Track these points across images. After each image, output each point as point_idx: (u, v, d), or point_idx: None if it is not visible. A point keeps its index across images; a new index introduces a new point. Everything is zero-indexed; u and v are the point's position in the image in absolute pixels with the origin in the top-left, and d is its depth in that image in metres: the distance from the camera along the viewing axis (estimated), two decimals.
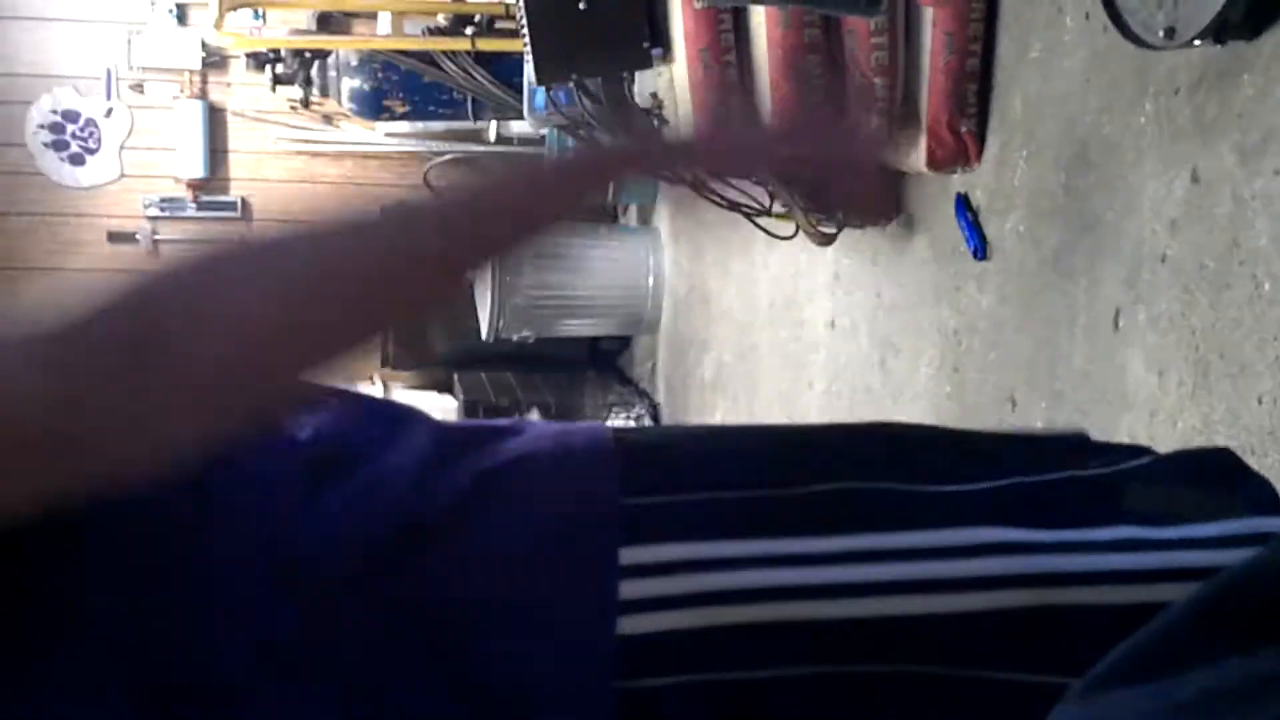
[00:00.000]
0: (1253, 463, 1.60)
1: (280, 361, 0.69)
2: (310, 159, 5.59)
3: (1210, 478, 0.98)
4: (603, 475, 0.89)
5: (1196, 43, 1.63)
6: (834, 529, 0.87)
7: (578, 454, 0.90)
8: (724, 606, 0.85)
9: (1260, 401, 1.60)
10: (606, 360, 5.28)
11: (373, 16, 5.13)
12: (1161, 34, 1.67)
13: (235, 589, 0.80)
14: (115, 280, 0.66)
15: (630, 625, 0.84)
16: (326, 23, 5.31)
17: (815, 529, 0.87)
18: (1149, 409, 1.84)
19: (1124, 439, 1.90)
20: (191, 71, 5.45)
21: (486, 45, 4.41)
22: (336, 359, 0.71)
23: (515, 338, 4.75)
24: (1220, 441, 1.67)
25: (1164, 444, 1.79)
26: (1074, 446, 1.01)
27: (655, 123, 2.68)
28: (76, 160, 5.45)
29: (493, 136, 5.33)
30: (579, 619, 0.85)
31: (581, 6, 2.54)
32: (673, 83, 2.56)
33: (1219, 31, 1.60)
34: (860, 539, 0.87)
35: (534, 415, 4.75)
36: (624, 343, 5.29)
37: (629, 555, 0.85)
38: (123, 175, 5.49)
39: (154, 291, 0.67)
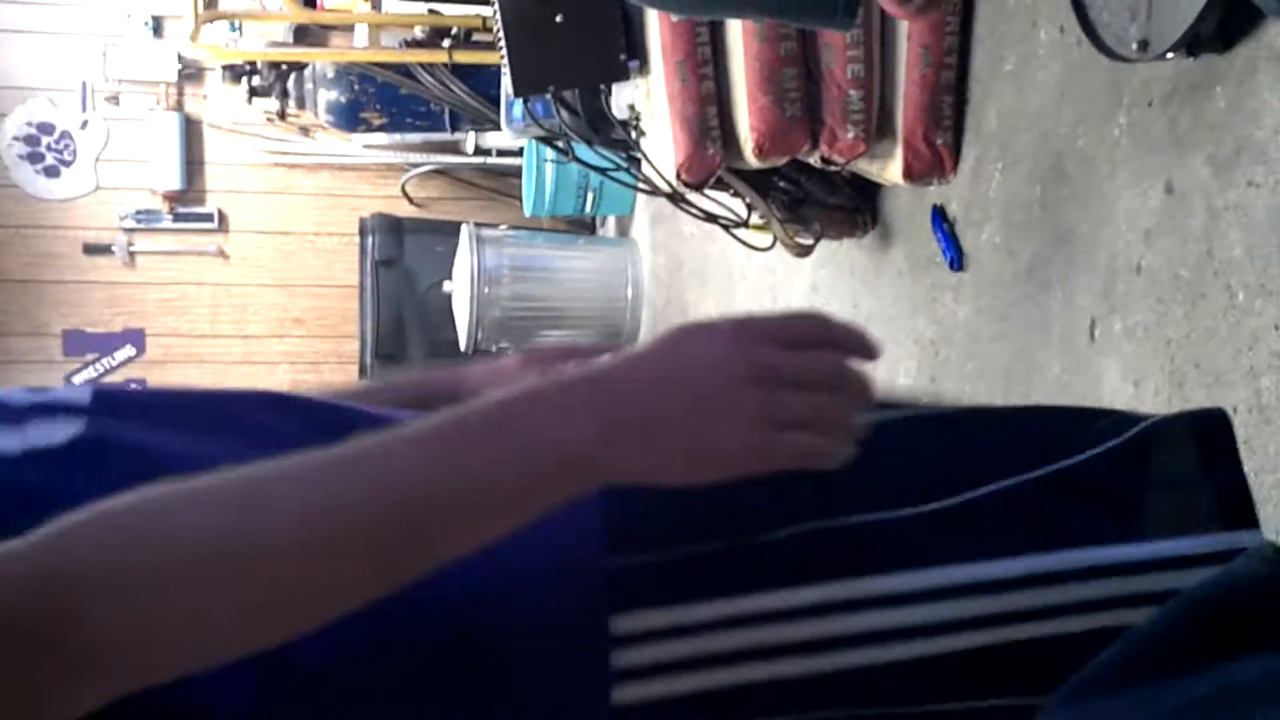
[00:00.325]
0: None
1: (204, 647, 0.65)
2: (287, 171, 5.58)
3: (1184, 462, 0.99)
4: (589, 535, 0.86)
5: (1169, 56, 1.65)
6: (807, 578, 0.87)
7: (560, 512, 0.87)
8: (712, 670, 0.85)
9: (1235, 410, 1.61)
10: None
11: (350, 29, 5.13)
12: (1135, 47, 1.68)
13: None
14: (15, 548, 0.60)
15: (623, 695, 0.85)
16: (303, 35, 5.31)
17: (790, 580, 0.87)
18: None
19: None
20: (167, 83, 5.44)
21: (463, 57, 4.42)
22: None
23: (494, 349, 4.74)
24: None
25: None
26: (1059, 427, 1.01)
27: (633, 136, 2.68)
28: (52, 173, 5.43)
29: (470, 148, 5.33)
30: (574, 691, 0.85)
31: (558, 19, 2.55)
32: (650, 95, 2.56)
33: (1191, 44, 1.61)
34: (833, 588, 0.87)
35: None
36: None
37: (619, 624, 0.85)
38: (98, 187, 5.47)
39: (62, 563, 0.61)
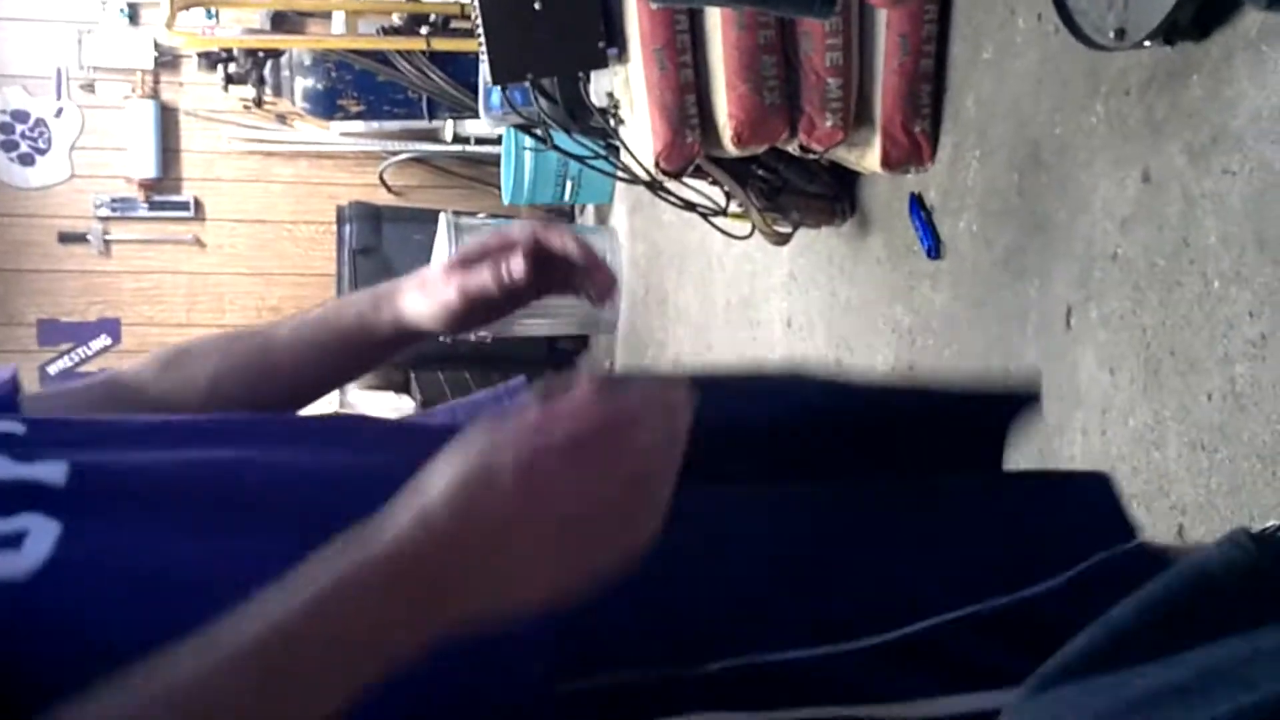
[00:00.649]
0: (1203, 459, 1.62)
1: None
2: (264, 159, 5.56)
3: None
4: (542, 654, 0.87)
5: (1146, 44, 1.66)
6: (738, 707, 0.89)
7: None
8: None
9: (1210, 398, 1.62)
10: (564, 360, 5.29)
11: (327, 16, 5.11)
12: (1112, 35, 1.69)
13: None
14: None
15: None
16: (280, 22, 5.29)
17: (721, 706, 0.89)
18: (1101, 406, 1.87)
19: (1076, 436, 1.92)
20: (143, 71, 5.41)
21: (441, 45, 4.41)
22: None
23: (472, 337, 4.74)
24: (1171, 438, 1.69)
25: (1116, 440, 1.82)
26: (1012, 542, 1.01)
27: (611, 123, 2.68)
28: (26, 160, 5.40)
29: (448, 136, 5.32)
30: None
31: (537, 7, 2.54)
32: (628, 82, 2.56)
33: (1168, 33, 1.62)
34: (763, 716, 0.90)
35: None
36: (582, 342, 5.29)
37: None
38: (73, 175, 5.44)
39: None
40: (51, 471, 0.89)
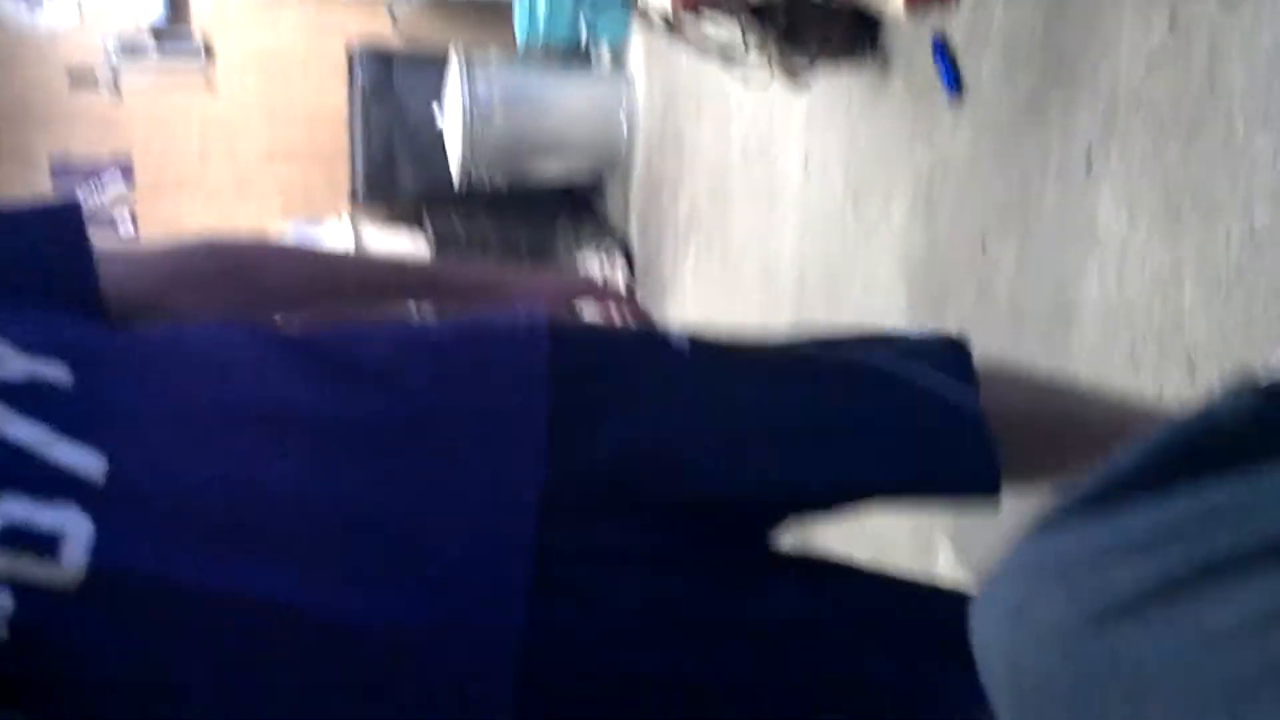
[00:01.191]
0: (1218, 301, 1.65)
1: None
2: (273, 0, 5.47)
3: None
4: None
5: None
6: None
7: None
8: None
9: (1229, 240, 1.64)
10: (580, 202, 5.27)
11: None
12: None
13: None
14: None
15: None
16: None
17: None
18: (1118, 250, 1.88)
19: (1093, 280, 1.94)
20: None
21: None
22: None
23: (487, 182, 4.72)
24: (1187, 280, 1.72)
25: (1132, 283, 1.84)
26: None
27: None
28: (34, 3, 5.31)
29: None
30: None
31: None
32: None
33: None
34: None
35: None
36: (597, 184, 5.27)
37: None
38: (82, 19, 5.36)
39: None
40: (91, 464, 0.93)
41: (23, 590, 0.88)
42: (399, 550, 0.97)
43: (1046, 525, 0.57)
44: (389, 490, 0.99)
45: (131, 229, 5.43)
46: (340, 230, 4.97)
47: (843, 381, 1.15)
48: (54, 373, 0.97)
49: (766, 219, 3.46)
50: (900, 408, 1.13)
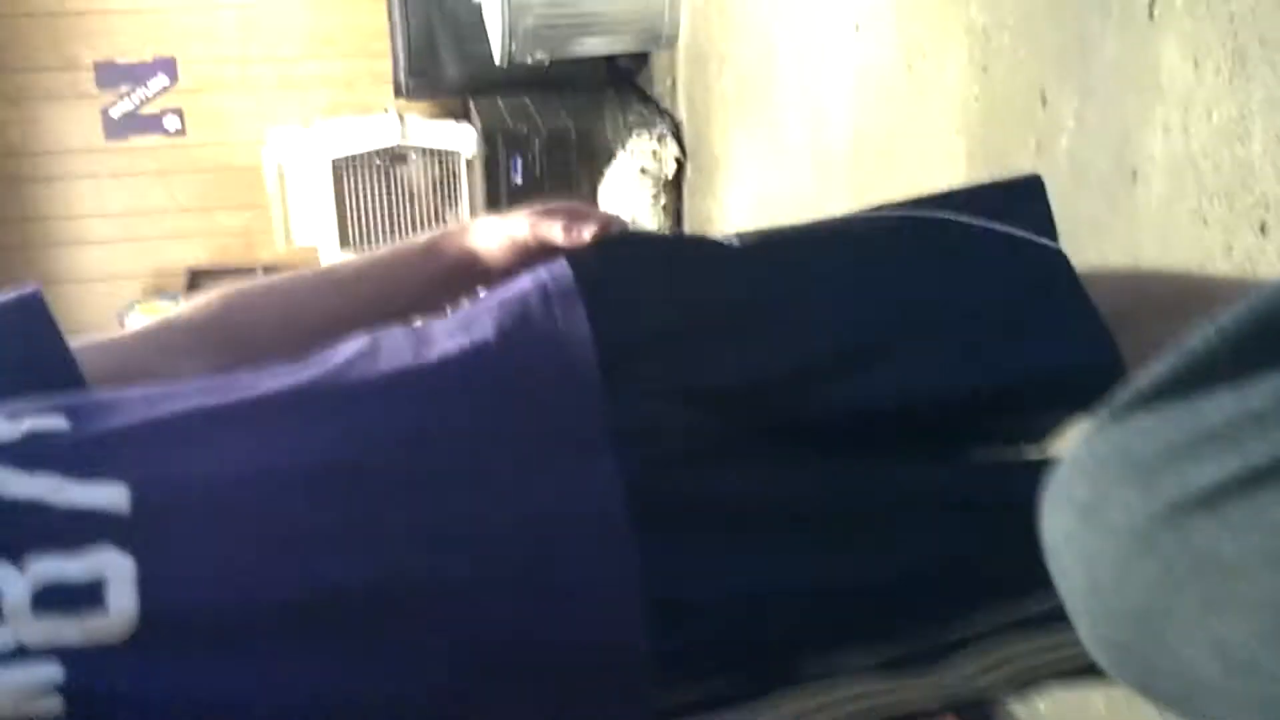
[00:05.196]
0: None
1: None
2: None
3: None
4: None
5: None
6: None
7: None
8: None
9: None
10: (625, 79, 5.18)
11: None
12: None
13: None
14: None
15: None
16: None
17: None
18: (1184, 100, 1.81)
19: (1157, 132, 1.87)
20: None
21: None
22: None
23: (529, 60, 4.65)
24: (1256, 132, 1.65)
25: (1198, 136, 1.77)
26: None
27: None
28: None
29: None
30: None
31: None
32: None
33: None
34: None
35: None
36: (642, 60, 5.17)
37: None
38: None
39: None
40: (113, 496, 0.87)
41: (71, 655, 0.83)
42: (470, 507, 0.94)
43: (1118, 416, 0.55)
44: (439, 450, 0.96)
45: (180, 126, 5.41)
46: (386, 125, 4.93)
47: (912, 240, 1.10)
48: (50, 424, 0.92)
49: (818, 86, 3.37)
50: (977, 261, 1.08)
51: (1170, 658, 0.50)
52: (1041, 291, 1.08)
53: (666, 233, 1.16)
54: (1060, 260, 1.09)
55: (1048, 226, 1.11)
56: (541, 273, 1.08)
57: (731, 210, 4.09)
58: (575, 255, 1.09)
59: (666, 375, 1.01)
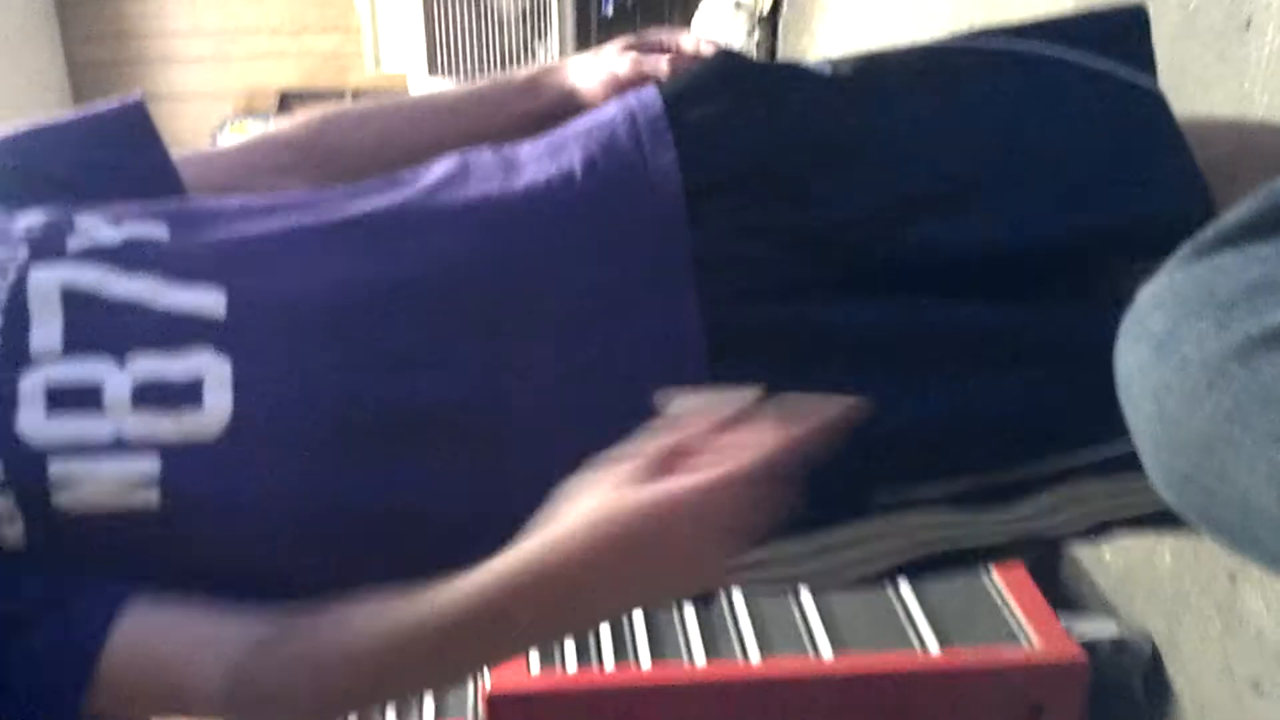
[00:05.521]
0: None
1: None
2: None
3: None
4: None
5: None
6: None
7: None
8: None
9: None
10: None
11: None
12: None
13: None
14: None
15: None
16: None
17: None
18: None
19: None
20: None
21: None
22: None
23: None
24: None
25: None
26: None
27: None
28: None
29: None
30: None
31: None
32: None
33: None
34: None
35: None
36: None
37: None
38: None
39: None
40: (210, 301, 0.90)
41: (168, 450, 0.86)
42: (551, 334, 0.95)
43: (1199, 253, 0.55)
44: (523, 277, 0.97)
45: None
46: None
47: (1007, 77, 1.07)
48: (150, 230, 0.95)
49: None
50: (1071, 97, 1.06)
51: (1231, 487, 0.51)
52: (1136, 135, 1.05)
53: (762, 61, 1.11)
54: (1158, 103, 1.07)
55: (1148, 63, 1.08)
56: (630, 99, 1.07)
57: (827, 49, 4.00)
58: (666, 83, 1.09)
59: (753, 209, 1.01)
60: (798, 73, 1.10)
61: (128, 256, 0.92)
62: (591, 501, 0.80)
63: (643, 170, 1.01)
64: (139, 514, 0.86)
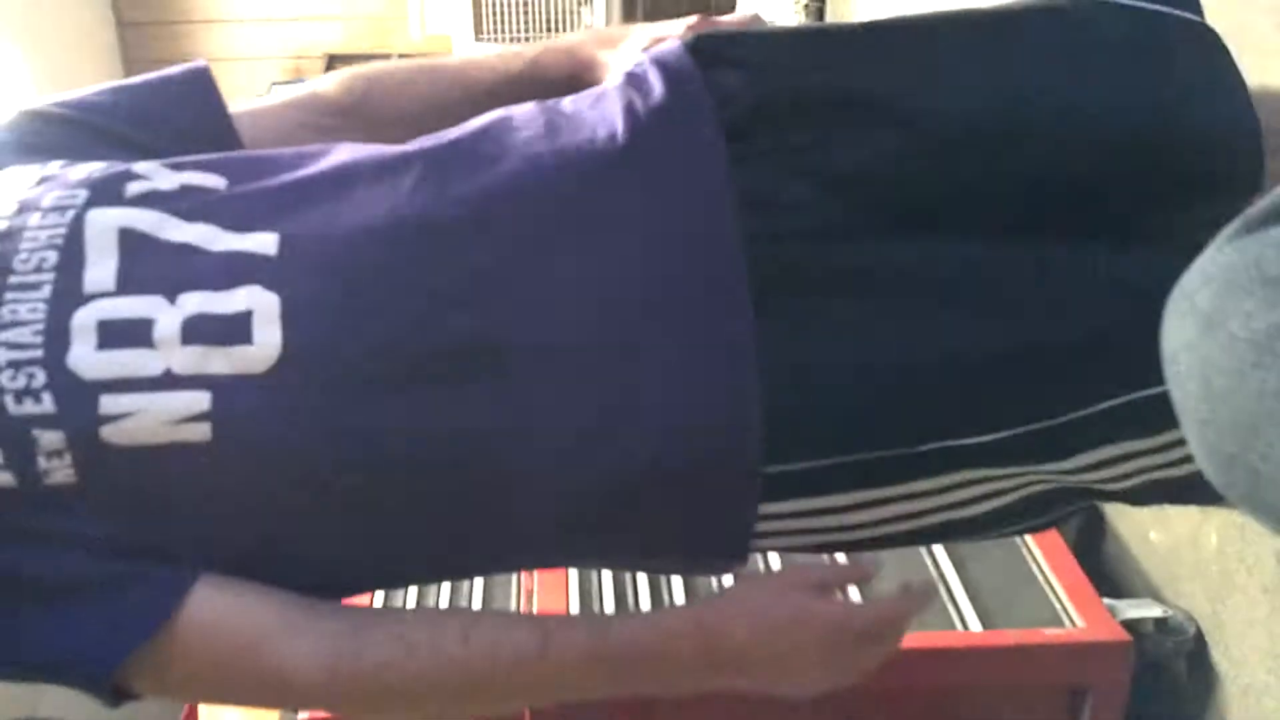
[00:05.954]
0: None
1: None
2: None
3: None
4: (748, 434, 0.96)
5: None
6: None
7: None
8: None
9: None
10: None
11: None
12: None
13: None
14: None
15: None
16: None
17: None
18: None
19: None
20: None
21: None
22: None
23: None
24: None
25: None
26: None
27: None
28: None
29: None
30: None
31: None
32: None
33: None
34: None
35: None
36: None
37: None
38: None
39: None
40: (263, 242, 0.92)
41: (218, 383, 0.87)
42: (594, 270, 0.96)
43: (1248, 228, 0.53)
44: (567, 217, 0.98)
45: None
46: None
47: (1047, 20, 1.07)
48: (208, 179, 0.97)
49: None
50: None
51: (1276, 468, 0.49)
52: (1185, 61, 1.05)
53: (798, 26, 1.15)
54: (1207, 31, 1.06)
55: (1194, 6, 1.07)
56: (660, 51, 1.08)
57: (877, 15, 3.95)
58: (696, 39, 1.09)
59: (794, 150, 1.00)
60: (836, 27, 1.11)
61: (185, 202, 0.94)
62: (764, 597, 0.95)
63: (681, 110, 1.01)
64: (188, 449, 0.87)
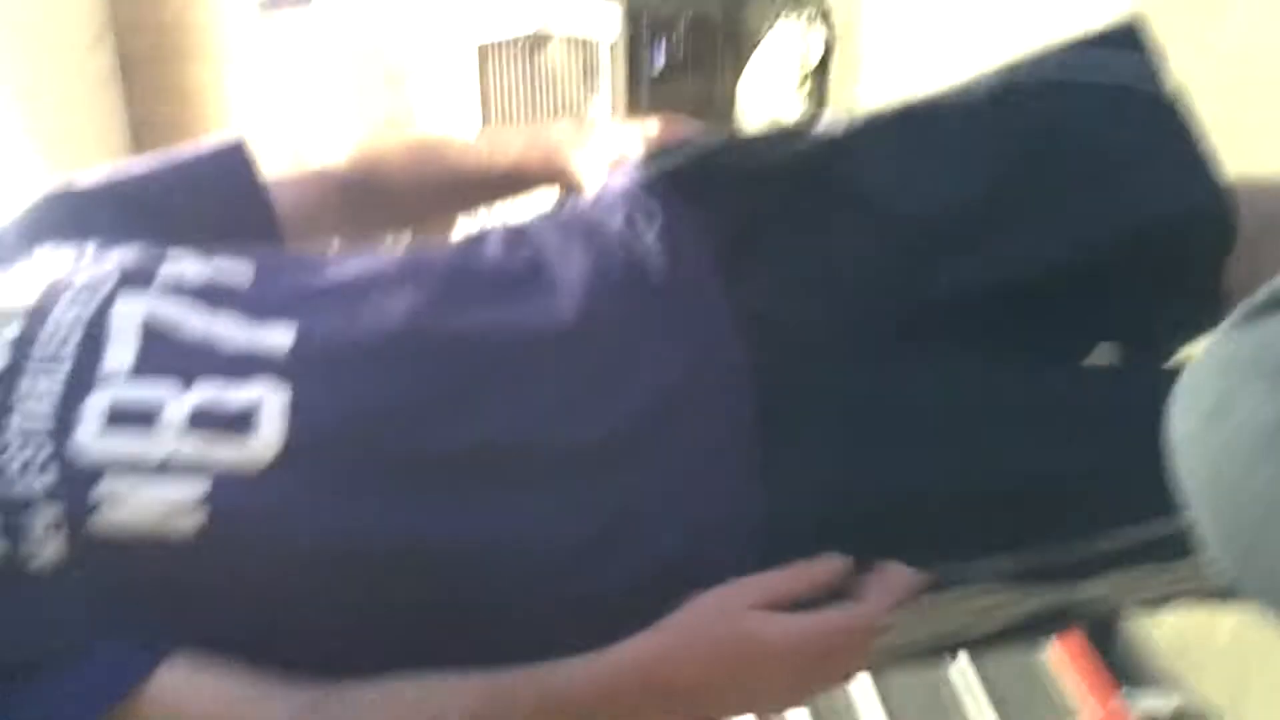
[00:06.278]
0: None
1: None
2: None
3: None
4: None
5: None
6: None
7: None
8: None
9: None
10: None
11: None
12: None
13: None
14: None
15: None
16: None
17: None
18: None
19: None
20: None
21: None
22: None
23: None
24: None
25: None
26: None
27: None
28: None
29: None
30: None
31: None
32: None
33: None
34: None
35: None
36: None
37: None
38: None
39: None
40: (280, 336, 0.94)
41: (218, 472, 0.88)
42: (603, 385, 0.97)
43: (1247, 319, 0.53)
44: (570, 338, 0.99)
45: None
46: (530, 5, 4.88)
47: (1014, 106, 1.08)
48: (237, 271, 0.99)
49: None
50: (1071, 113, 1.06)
51: None
52: (1152, 139, 1.05)
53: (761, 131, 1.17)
54: (1169, 107, 1.06)
55: (1152, 73, 1.08)
56: (626, 178, 1.11)
57: (876, 98, 3.99)
58: (674, 169, 1.10)
59: (783, 265, 1.02)
60: (798, 134, 1.12)
61: (211, 294, 0.96)
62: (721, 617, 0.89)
63: (668, 238, 1.04)
64: (182, 535, 0.87)
